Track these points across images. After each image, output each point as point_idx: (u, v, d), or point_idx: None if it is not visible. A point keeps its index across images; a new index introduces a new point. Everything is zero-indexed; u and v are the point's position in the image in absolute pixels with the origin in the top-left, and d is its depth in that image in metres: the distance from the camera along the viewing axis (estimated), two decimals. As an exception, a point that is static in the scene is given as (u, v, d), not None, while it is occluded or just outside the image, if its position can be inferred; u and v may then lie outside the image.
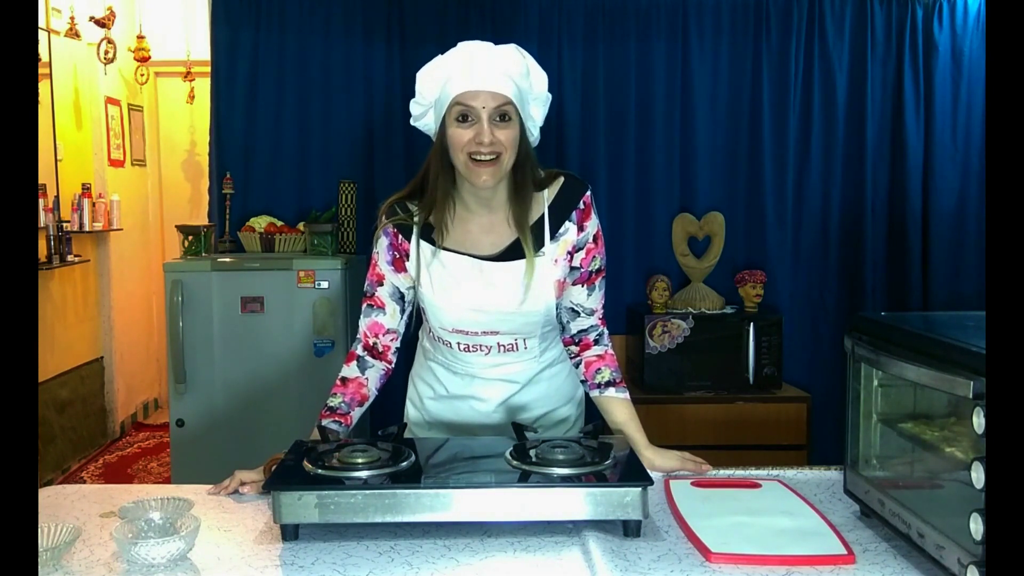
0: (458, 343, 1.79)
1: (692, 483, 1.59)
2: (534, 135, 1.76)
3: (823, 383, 3.71)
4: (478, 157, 1.62)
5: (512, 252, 1.72)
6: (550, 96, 1.75)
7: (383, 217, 1.77)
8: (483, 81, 1.61)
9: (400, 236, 1.76)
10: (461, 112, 1.63)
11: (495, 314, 1.73)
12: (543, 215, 1.74)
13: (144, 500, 1.43)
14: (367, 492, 1.33)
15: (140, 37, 5.19)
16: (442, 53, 1.71)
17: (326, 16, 3.73)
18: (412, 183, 1.76)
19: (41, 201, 4.18)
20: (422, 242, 1.74)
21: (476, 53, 1.65)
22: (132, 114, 5.71)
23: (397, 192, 1.79)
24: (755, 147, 3.80)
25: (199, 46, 5.20)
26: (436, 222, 1.72)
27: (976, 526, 1.06)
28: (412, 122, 1.78)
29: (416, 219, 1.74)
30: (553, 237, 1.74)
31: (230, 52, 3.75)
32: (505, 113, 1.63)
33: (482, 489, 1.35)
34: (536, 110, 1.73)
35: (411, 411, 1.92)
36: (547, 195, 1.75)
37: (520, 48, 1.69)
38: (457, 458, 1.54)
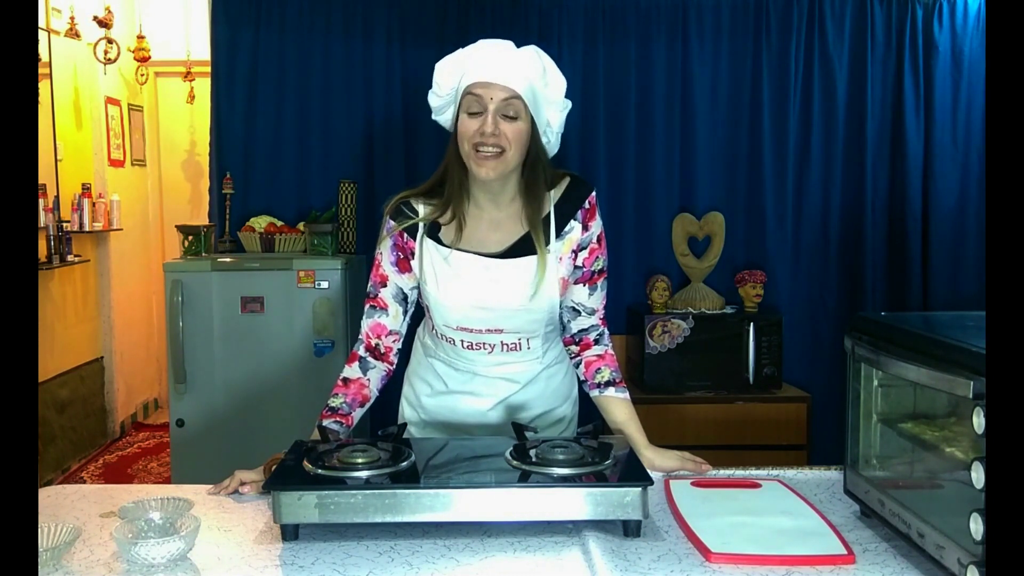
0: (462, 340, 1.79)
1: (692, 483, 1.59)
2: (551, 140, 1.77)
3: (823, 383, 3.70)
4: (482, 149, 1.64)
5: (518, 249, 1.73)
6: (569, 103, 1.76)
7: (388, 217, 1.78)
8: (495, 74, 1.63)
9: (405, 235, 1.76)
10: (471, 103, 1.65)
11: (500, 311, 1.73)
12: (549, 213, 1.75)
13: (144, 500, 1.43)
14: (367, 492, 1.34)
15: (140, 37, 5.19)
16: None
17: (326, 16, 3.73)
18: (432, 179, 1.77)
19: (41, 201, 4.18)
20: (428, 240, 1.74)
21: (493, 48, 1.68)
22: (132, 114, 5.71)
23: (405, 190, 1.80)
24: (755, 147, 3.79)
25: (199, 46, 5.21)
26: (450, 216, 1.73)
27: (976, 526, 1.06)
28: (433, 116, 1.79)
29: (422, 216, 1.75)
30: (559, 235, 1.74)
31: (230, 52, 3.74)
32: (513, 109, 1.64)
33: (482, 489, 1.35)
34: (553, 115, 1.74)
35: (406, 410, 1.92)
36: (553, 194, 1.76)
37: (541, 51, 1.71)
38: (457, 458, 1.53)
